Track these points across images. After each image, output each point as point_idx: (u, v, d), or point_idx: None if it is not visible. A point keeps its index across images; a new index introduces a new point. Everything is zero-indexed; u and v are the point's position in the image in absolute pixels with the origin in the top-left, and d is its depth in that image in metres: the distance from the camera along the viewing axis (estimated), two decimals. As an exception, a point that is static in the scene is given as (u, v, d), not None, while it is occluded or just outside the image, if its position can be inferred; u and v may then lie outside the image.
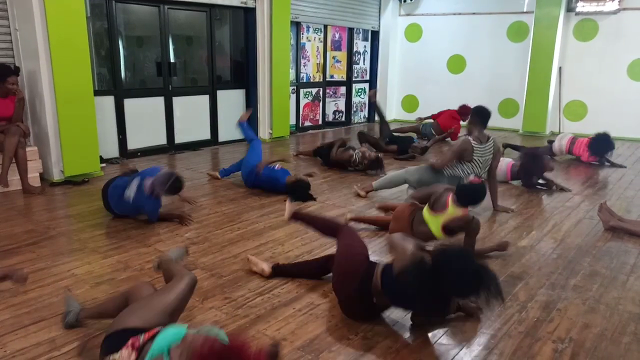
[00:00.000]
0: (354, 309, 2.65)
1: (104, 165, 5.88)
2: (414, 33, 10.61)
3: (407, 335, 2.56)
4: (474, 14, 9.82)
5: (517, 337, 2.53)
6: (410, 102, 10.95)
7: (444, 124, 8.02)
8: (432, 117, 8.40)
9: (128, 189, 3.98)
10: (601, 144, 6.55)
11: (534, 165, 5.42)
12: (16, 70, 4.88)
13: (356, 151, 6.07)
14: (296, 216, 3.28)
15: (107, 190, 4.17)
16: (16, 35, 5.21)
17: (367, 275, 2.56)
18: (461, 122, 8.30)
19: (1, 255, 3.42)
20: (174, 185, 3.99)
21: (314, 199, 4.90)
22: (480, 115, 4.54)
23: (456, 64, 10.22)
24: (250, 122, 8.05)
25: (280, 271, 3.14)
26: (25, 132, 4.90)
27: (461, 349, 2.44)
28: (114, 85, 6.32)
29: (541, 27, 8.82)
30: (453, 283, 2.25)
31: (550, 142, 7.25)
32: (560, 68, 9.21)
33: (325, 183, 5.50)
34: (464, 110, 7.94)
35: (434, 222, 3.43)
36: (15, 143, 4.74)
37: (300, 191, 4.81)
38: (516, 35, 9.50)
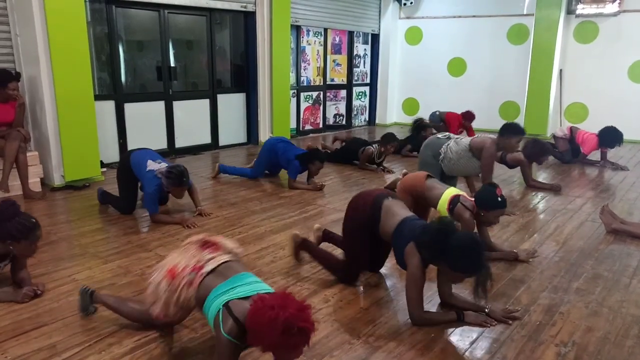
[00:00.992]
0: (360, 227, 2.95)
1: (104, 169, 5.87)
2: (414, 36, 10.61)
3: (409, 339, 2.54)
4: (474, 16, 9.82)
5: (520, 341, 2.52)
6: (411, 105, 10.95)
7: (450, 119, 8.09)
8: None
9: (156, 162, 4.28)
10: (611, 136, 6.66)
11: (535, 148, 5.56)
12: (17, 76, 4.89)
13: (374, 146, 6.38)
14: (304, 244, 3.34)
15: (135, 151, 4.49)
16: (17, 41, 5.21)
17: (377, 206, 2.91)
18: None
19: (2, 260, 3.41)
20: (177, 172, 4.09)
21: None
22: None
23: (457, 66, 10.22)
24: (251, 126, 8.11)
25: (306, 247, 3.29)
26: (25, 137, 4.90)
27: (464, 353, 2.42)
28: (114, 90, 6.32)
29: (541, 29, 8.83)
30: (459, 253, 2.46)
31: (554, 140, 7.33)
32: (560, 70, 9.21)
33: (327, 186, 5.49)
34: (468, 115, 8.00)
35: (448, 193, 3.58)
36: (16, 148, 4.74)
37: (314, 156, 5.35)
38: (516, 38, 9.50)
